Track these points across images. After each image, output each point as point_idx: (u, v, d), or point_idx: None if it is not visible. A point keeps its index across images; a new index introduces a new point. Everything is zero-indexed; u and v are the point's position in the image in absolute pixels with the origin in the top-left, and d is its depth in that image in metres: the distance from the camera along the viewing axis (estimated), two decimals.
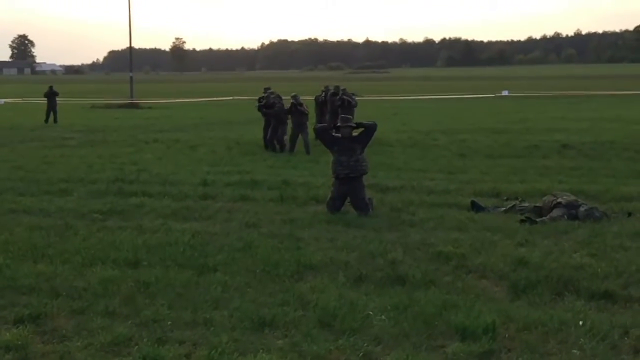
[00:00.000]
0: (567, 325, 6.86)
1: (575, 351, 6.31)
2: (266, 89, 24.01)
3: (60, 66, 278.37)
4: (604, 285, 8.04)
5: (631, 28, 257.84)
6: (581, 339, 6.53)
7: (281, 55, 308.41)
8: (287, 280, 8.50)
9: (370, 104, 41.83)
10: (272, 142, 22.55)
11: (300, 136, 22.31)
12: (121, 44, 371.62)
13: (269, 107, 22.69)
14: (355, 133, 13.03)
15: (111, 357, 6.38)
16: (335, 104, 24.26)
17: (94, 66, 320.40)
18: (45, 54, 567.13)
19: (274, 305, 7.58)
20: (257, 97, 24.59)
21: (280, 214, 12.44)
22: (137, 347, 6.52)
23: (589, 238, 10.32)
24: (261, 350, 6.39)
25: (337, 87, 25.27)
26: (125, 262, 9.28)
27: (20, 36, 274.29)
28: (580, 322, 6.90)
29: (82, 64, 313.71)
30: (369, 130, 13.01)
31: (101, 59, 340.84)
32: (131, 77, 61.46)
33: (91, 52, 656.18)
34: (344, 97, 24.17)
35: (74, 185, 15.72)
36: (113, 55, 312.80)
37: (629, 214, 11.93)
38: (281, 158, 20.29)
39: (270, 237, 10.62)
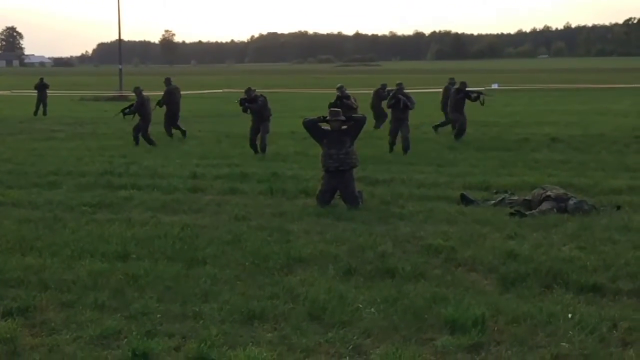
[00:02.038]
0: (556, 318, 6.88)
1: (564, 344, 6.33)
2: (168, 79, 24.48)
3: (49, 58, 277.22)
4: (593, 278, 8.07)
5: (620, 21, 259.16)
6: (570, 332, 6.55)
7: (271, 47, 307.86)
8: (276, 273, 8.50)
9: (360, 97, 41.76)
10: (255, 143, 20.10)
11: None
12: (110, 37, 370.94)
13: (252, 102, 20.11)
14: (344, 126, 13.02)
15: (100, 350, 6.36)
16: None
17: (83, 58, 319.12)
18: (34, 46, 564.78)
19: (263, 298, 7.58)
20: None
21: (270, 207, 12.43)
22: (126, 340, 6.51)
23: (578, 231, 10.35)
24: (250, 343, 6.39)
25: (399, 84, 20.74)
26: (115, 255, 9.26)
27: (8, 28, 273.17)
28: (569, 315, 6.93)
29: (71, 56, 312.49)
30: (359, 123, 13.00)
31: (90, 52, 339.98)
32: (120, 70, 61.31)
33: (80, 44, 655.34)
34: (399, 95, 20.25)
35: (63, 178, 15.68)
36: (102, 48, 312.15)
37: (618, 207, 11.97)
38: (270, 151, 20.21)
39: (259, 230, 10.62)
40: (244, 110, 20.37)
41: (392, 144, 20.05)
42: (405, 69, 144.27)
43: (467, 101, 22.99)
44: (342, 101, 19.81)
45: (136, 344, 6.31)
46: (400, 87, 20.34)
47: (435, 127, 25.25)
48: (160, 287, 7.97)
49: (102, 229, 10.71)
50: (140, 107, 22.40)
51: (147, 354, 6.19)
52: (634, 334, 6.56)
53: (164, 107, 24.63)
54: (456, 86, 24.00)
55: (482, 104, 23.37)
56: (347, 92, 20.26)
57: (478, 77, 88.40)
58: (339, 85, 20.63)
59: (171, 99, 24.57)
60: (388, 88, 27.61)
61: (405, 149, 19.71)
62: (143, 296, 7.66)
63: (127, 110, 22.89)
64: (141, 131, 22.34)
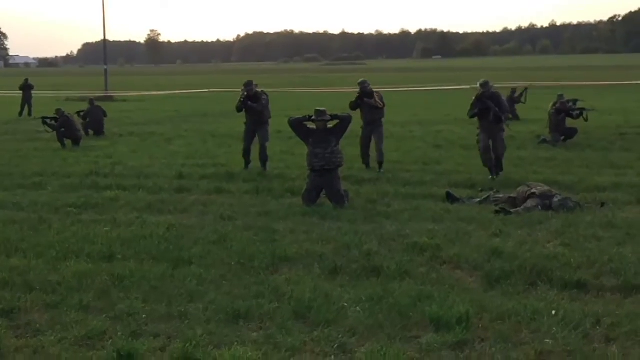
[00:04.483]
0: (540, 314, 6.92)
1: (548, 340, 6.36)
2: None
3: (34, 59, 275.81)
4: (577, 275, 8.11)
5: (605, 19, 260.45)
6: (554, 328, 6.59)
7: (257, 47, 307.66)
8: (262, 273, 8.51)
9: (347, 97, 41.93)
10: (249, 152, 16.91)
11: (372, 140, 16.78)
12: (95, 37, 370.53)
13: (253, 99, 16.57)
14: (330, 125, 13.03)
15: (85, 351, 6.36)
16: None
17: (68, 59, 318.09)
18: (19, 47, 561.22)
19: (249, 297, 7.59)
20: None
21: (256, 207, 12.44)
22: (111, 340, 6.51)
23: (563, 228, 10.40)
24: (236, 343, 6.40)
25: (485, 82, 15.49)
26: (100, 256, 9.26)
27: None
28: (553, 312, 6.96)
29: (57, 57, 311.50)
30: (344, 122, 13.01)
31: (75, 52, 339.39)
32: (106, 70, 61.07)
33: (65, 44, 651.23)
34: (485, 100, 15.06)
35: (48, 179, 15.63)
36: (87, 48, 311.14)
37: (602, 204, 12.03)
38: (254, 150, 19.96)
39: (245, 230, 10.62)
40: (240, 110, 16.79)
41: (486, 157, 15.28)
42: (391, 68, 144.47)
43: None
44: (363, 100, 16.49)
45: (121, 345, 6.31)
46: (486, 87, 15.27)
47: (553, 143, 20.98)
48: (145, 287, 7.96)
49: (88, 230, 10.68)
50: (62, 126, 22.40)
51: (132, 355, 6.18)
52: (617, 329, 6.60)
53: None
54: (557, 105, 21.77)
55: (586, 120, 21.82)
56: (370, 88, 16.66)
57: (464, 75, 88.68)
58: (360, 80, 16.95)
59: (92, 117, 25.79)
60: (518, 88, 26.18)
61: (498, 151, 15.28)
62: (128, 297, 7.66)
63: (49, 121, 22.96)
64: (59, 135, 22.26)
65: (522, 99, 30.56)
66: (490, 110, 14.96)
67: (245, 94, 16.57)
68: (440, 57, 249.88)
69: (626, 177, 14.89)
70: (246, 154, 16.86)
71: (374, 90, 17.03)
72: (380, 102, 16.67)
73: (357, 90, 16.86)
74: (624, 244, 9.53)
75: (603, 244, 9.56)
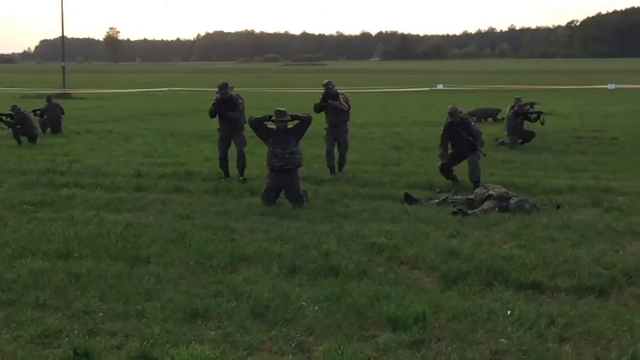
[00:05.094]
0: (495, 314, 7.00)
1: (502, 340, 6.44)
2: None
3: None
4: (532, 276, 8.22)
5: (564, 24, 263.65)
6: (509, 328, 6.67)
7: (217, 46, 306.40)
8: (220, 272, 8.51)
9: (307, 97, 41.90)
10: (226, 161, 15.55)
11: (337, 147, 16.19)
12: (53, 33, 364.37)
13: (229, 104, 15.21)
14: (290, 125, 13.06)
15: (41, 349, 6.31)
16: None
17: (25, 55, 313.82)
18: None
19: (207, 296, 7.58)
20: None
21: (215, 206, 12.42)
22: (67, 338, 6.47)
23: (519, 230, 10.52)
24: (194, 342, 6.39)
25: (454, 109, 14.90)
26: (56, 254, 9.18)
27: None
28: (509, 312, 7.05)
29: (13, 53, 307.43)
30: (304, 122, 13.04)
31: (32, 48, 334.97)
32: (64, 67, 60.35)
33: (22, 40, 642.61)
34: (457, 129, 14.59)
35: (4, 176, 15.47)
36: (45, 45, 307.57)
37: (558, 206, 12.18)
38: (216, 150, 19.89)
39: (204, 229, 10.60)
40: (213, 115, 15.41)
41: (447, 173, 14.91)
42: (351, 69, 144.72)
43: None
44: (328, 102, 15.90)
45: (77, 343, 6.27)
46: (454, 115, 14.75)
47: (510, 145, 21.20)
48: (102, 285, 7.92)
49: (44, 228, 10.59)
50: (18, 123, 22.24)
51: (88, 353, 6.16)
52: (570, 329, 6.70)
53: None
54: (515, 109, 21.91)
55: (542, 123, 22.05)
56: (335, 90, 16.09)
57: (424, 77, 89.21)
58: (325, 81, 16.30)
59: (50, 115, 25.75)
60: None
61: (474, 177, 14.42)
62: (85, 295, 7.62)
63: (5, 118, 22.88)
64: (15, 132, 22.13)
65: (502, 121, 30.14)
66: (462, 139, 14.55)
67: (219, 97, 15.24)
68: (377, 59, 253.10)
69: (581, 180, 15.09)
70: (223, 163, 15.49)
71: (340, 92, 16.44)
72: (346, 105, 16.09)
73: (322, 91, 16.26)
74: (578, 246, 9.67)
75: (558, 245, 9.70)
